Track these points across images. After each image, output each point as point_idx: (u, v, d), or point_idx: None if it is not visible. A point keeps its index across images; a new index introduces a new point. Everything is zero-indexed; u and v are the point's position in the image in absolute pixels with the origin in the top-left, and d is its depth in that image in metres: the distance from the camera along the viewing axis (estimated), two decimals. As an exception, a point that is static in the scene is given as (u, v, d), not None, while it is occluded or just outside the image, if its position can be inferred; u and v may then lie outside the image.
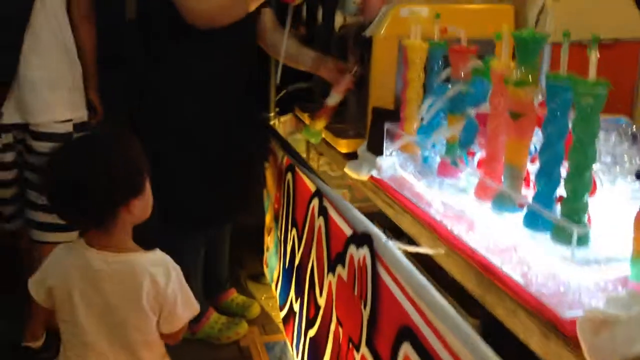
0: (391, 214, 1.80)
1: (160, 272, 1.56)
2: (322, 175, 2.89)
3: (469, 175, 1.55)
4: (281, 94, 2.85)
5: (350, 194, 3.10)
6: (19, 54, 2.16)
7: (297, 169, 2.29)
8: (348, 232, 1.74)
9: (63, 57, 2.27)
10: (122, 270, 1.56)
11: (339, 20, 2.26)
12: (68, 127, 2.29)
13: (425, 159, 1.74)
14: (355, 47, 2.15)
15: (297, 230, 2.28)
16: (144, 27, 2.35)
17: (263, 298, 2.93)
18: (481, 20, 2.09)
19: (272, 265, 2.74)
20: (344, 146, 2.18)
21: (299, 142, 3.00)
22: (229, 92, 2.39)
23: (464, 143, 1.50)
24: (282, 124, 2.89)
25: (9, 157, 2.31)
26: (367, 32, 2.03)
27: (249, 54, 2.44)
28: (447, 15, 2.05)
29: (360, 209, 1.76)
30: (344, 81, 2.25)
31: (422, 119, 1.80)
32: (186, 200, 2.38)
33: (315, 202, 2.05)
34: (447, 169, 1.60)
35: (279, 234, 2.59)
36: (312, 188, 2.12)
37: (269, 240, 2.80)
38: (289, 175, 2.41)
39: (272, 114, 2.85)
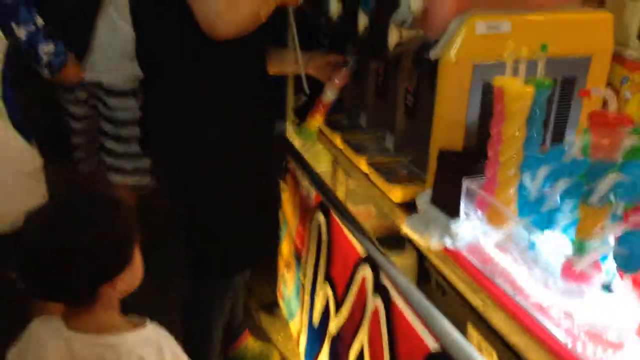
0: (475, 302, 1.39)
1: (151, 353, 1.35)
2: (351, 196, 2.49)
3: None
4: (300, 102, 2.37)
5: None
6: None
7: (334, 215, 1.85)
8: (428, 340, 1.33)
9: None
10: (106, 355, 1.32)
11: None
12: (134, 85, 2.37)
13: (532, 245, 1.31)
14: (414, 70, 1.68)
15: (333, 292, 1.86)
16: (157, 46, 1.85)
17: (280, 338, 2.52)
18: (574, 32, 1.64)
19: (292, 308, 2.33)
20: (398, 194, 1.73)
21: (320, 155, 2.54)
22: (256, 109, 1.93)
23: (624, 264, 1.06)
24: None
25: (81, 110, 2.54)
26: (433, 55, 1.56)
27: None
28: (532, 28, 1.61)
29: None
30: (339, 76, 2.01)
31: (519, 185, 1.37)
32: (226, 241, 1.96)
33: (366, 274, 1.63)
34: (576, 274, 1.18)
35: (302, 278, 2.17)
36: (361, 251, 1.68)
37: (288, 277, 2.38)
38: (321, 217, 1.97)
39: (288, 125, 2.38)
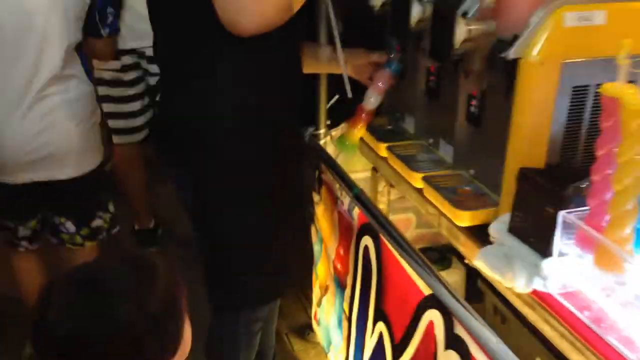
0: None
1: None
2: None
3: None
4: (332, 101, 2.09)
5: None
6: None
7: (385, 240, 1.57)
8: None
9: None
10: None
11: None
12: None
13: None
14: (484, 71, 1.39)
15: (389, 331, 1.59)
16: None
17: (316, 366, 2.27)
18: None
19: (331, 338, 2.07)
20: (465, 218, 1.46)
21: (355, 162, 2.27)
22: (287, 114, 1.66)
23: None
24: (333, 138, 2.14)
25: (129, 75, 2.73)
26: (512, 53, 1.27)
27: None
28: (633, 18, 1.32)
29: None
30: (383, 78, 1.75)
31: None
32: (247, 270, 1.70)
33: (435, 320, 1.35)
34: None
35: (345, 308, 1.90)
36: (424, 289, 1.41)
37: (327, 304, 2.11)
38: (368, 242, 1.69)
39: (322, 131, 2.09)
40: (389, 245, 1.56)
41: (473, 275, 1.92)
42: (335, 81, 1.97)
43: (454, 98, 1.57)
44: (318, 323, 2.28)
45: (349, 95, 1.69)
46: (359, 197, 1.68)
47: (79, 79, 2.05)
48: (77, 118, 2.03)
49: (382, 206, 2.10)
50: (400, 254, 1.47)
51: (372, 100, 1.75)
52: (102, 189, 2.22)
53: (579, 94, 1.32)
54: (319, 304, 2.25)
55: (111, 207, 2.24)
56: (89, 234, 2.19)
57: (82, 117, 2.05)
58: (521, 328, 1.51)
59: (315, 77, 2.00)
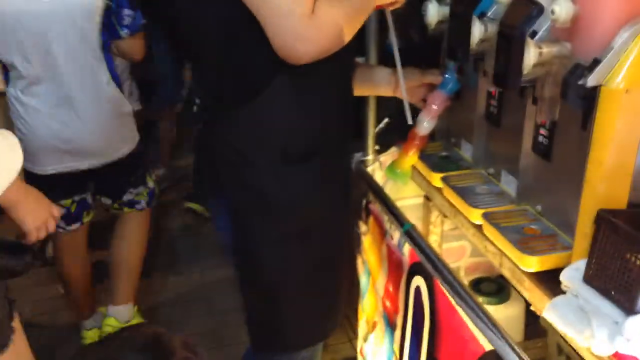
0: None
1: None
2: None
3: None
4: (382, 125, 1.95)
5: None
6: None
7: (440, 284, 1.42)
8: None
9: None
10: None
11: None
12: None
13: None
14: (556, 99, 1.23)
15: (444, 384, 1.43)
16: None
17: (363, 407, 2.11)
18: None
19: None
20: (532, 264, 1.30)
21: (406, 188, 2.12)
22: (336, 142, 1.51)
23: None
24: (383, 165, 2.00)
25: None
26: (592, 80, 1.11)
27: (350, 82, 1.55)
28: None
29: None
30: (438, 100, 1.60)
31: None
32: (289, 312, 1.57)
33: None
34: None
35: (396, 351, 1.75)
36: (485, 343, 1.25)
37: (376, 342, 1.96)
38: (420, 282, 1.54)
39: (370, 157, 1.95)
40: (444, 291, 1.40)
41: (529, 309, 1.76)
42: (384, 103, 1.84)
43: (519, 126, 1.41)
44: (364, 358, 2.13)
45: (409, 121, 1.55)
46: (411, 234, 1.53)
47: (106, 80, 2.30)
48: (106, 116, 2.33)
49: (434, 237, 1.94)
50: (457, 302, 1.32)
51: (425, 125, 1.60)
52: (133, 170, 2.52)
53: (670, 125, 1.14)
54: (365, 339, 2.10)
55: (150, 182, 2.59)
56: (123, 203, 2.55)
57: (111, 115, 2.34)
58: None
59: (363, 99, 1.87)
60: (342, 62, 1.40)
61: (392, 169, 1.68)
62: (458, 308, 1.34)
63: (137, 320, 2.64)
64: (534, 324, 2.18)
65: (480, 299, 2.20)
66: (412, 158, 1.65)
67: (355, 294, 2.14)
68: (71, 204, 2.41)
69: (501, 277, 2.18)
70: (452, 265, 2.35)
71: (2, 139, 1.42)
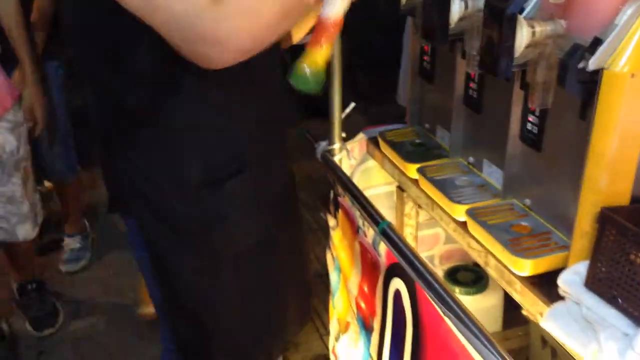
0: None
1: None
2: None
3: None
4: (348, 110, 1.79)
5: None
6: None
7: (421, 289, 1.29)
8: None
9: None
10: None
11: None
12: None
13: None
14: (553, 85, 1.09)
15: (431, 396, 1.31)
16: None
17: (337, 410, 1.99)
18: None
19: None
20: (525, 267, 1.17)
21: (371, 173, 1.98)
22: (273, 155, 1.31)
23: None
24: (350, 153, 1.85)
25: None
26: (593, 63, 0.98)
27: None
28: None
29: None
30: None
31: None
32: (224, 332, 1.38)
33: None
34: None
35: (373, 355, 1.62)
36: (476, 358, 1.12)
37: (350, 344, 1.83)
38: (400, 286, 1.40)
39: (337, 145, 1.80)
40: (429, 298, 1.27)
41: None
42: (351, 85, 1.68)
43: (503, 112, 1.27)
44: (337, 359, 2.00)
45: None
46: (387, 234, 1.39)
47: None
48: None
49: (410, 230, 1.81)
50: (443, 312, 1.19)
51: (337, 4, 1.06)
52: None
53: (677, 111, 1.02)
54: (337, 339, 1.97)
55: None
56: None
57: None
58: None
59: (327, 82, 1.70)
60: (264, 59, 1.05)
61: (299, 71, 1.09)
62: (445, 317, 1.21)
63: None
64: (513, 311, 2.09)
65: (458, 290, 2.11)
66: (325, 51, 1.11)
67: (325, 289, 2.02)
68: None
69: (477, 264, 2.08)
70: (426, 254, 2.23)
71: None
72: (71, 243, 2.95)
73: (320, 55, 1.10)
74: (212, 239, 1.22)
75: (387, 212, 1.94)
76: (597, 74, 0.99)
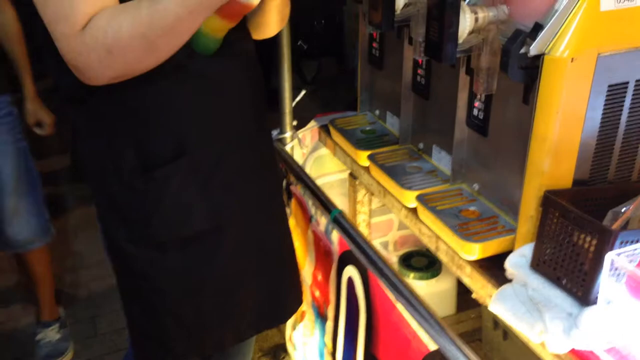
0: None
1: None
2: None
3: None
4: (299, 97, 1.78)
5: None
6: None
7: (375, 275, 1.29)
8: None
9: None
10: None
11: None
12: None
13: None
14: (497, 70, 1.10)
15: (384, 383, 1.32)
16: None
17: (295, 398, 2.00)
18: None
19: (313, 370, 1.80)
20: (473, 250, 1.19)
21: (324, 161, 1.98)
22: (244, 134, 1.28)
23: None
24: (301, 142, 1.84)
25: None
26: (534, 48, 0.99)
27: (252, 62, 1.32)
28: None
29: None
30: None
31: None
32: (174, 320, 1.36)
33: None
34: None
35: (328, 343, 1.62)
36: (429, 343, 1.14)
37: (305, 333, 1.84)
38: (353, 272, 1.41)
39: (288, 134, 1.79)
40: (381, 284, 1.28)
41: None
42: (301, 72, 1.67)
43: (451, 98, 1.28)
44: (294, 347, 2.00)
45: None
46: (339, 222, 1.40)
47: None
48: None
49: (363, 217, 1.82)
50: (396, 298, 1.20)
51: None
52: None
53: (616, 93, 1.05)
54: (294, 328, 1.97)
55: None
56: None
57: None
58: (526, 346, 1.25)
59: (276, 69, 1.69)
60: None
61: (200, 35, 1.08)
62: (397, 303, 1.22)
63: None
64: (466, 295, 2.12)
65: (412, 275, 2.13)
66: (226, 25, 1.11)
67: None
68: None
69: (427, 249, 2.10)
70: (380, 240, 2.25)
71: None
72: (49, 335, 2.31)
73: (222, 27, 1.11)
74: (150, 224, 1.21)
75: (341, 200, 1.95)
76: (538, 59, 1.01)
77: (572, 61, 0.99)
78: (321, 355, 1.71)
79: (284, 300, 1.43)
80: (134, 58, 0.97)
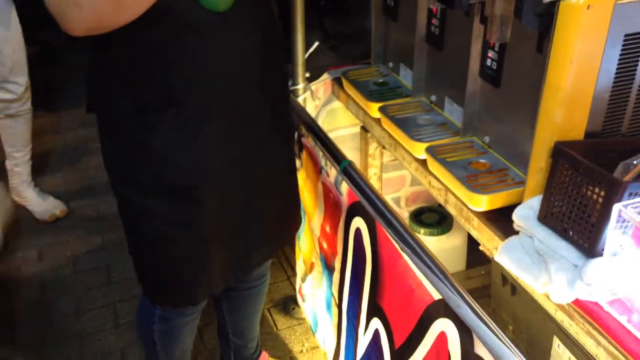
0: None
1: None
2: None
3: None
4: (312, 48, 1.76)
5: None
6: None
7: (382, 226, 1.29)
8: None
9: None
10: None
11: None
12: None
13: None
14: (511, 18, 1.08)
15: (387, 334, 1.33)
16: None
17: (304, 349, 2.02)
18: None
19: (319, 321, 1.82)
20: (482, 202, 1.18)
21: (337, 114, 1.96)
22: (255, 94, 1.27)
23: None
24: (313, 94, 1.83)
25: None
26: (550, -6, 0.97)
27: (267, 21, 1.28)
28: None
29: None
30: None
31: None
32: (160, 264, 1.38)
33: (449, 333, 1.09)
34: None
35: (335, 293, 1.64)
36: (432, 291, 1.14)
37: (314, 284, 1.85)
38: (360, 224, 1.41)
39: (300, 85, 1.78)
40: (388, 235, 1.28)
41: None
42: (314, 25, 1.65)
43: (464, 48, 1.26)
44: (304, 299, 2.02)
45: None
46: (348, 172, 1.39)
47: None
48: None
49: (374, 170, 1.81)
50: (401, 248, 1.20)
51: None
52: None
53: (632, 43, 1.02)
54: (303, 280, 1.99)
55: None
56: None
57: None
58: (534, 301, 1.25)
59: (289, 22, 1.67)
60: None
61: None
62: (403, 254, 1.22)
63: None
64: (477, 251, 2.11)
65: (422, 231, 2.13)
66: None
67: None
68: None
69: (439, 205, 2.09)
70: (392, 196, 2.24)
71: None
72: None
73: None
74: (135, 169, 1.24)
75: (352, 154, 1.94)
76: (553, 5, 0.98)
77: (587, 8, 0.96)
78: (328, 306, 1.72)
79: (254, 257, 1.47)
80: (103, 13, 1.02)
